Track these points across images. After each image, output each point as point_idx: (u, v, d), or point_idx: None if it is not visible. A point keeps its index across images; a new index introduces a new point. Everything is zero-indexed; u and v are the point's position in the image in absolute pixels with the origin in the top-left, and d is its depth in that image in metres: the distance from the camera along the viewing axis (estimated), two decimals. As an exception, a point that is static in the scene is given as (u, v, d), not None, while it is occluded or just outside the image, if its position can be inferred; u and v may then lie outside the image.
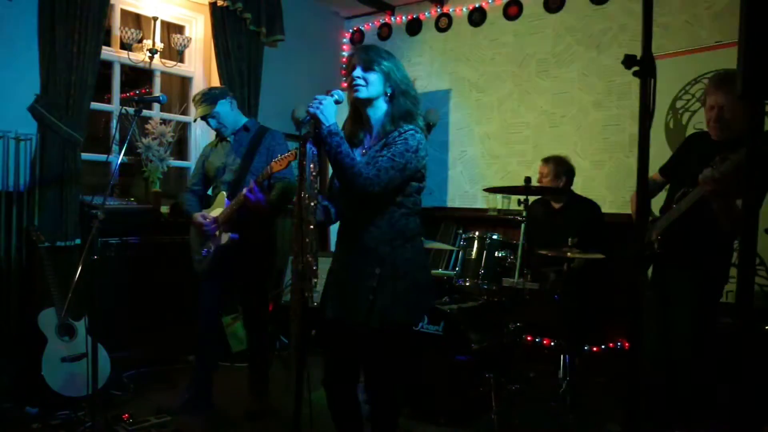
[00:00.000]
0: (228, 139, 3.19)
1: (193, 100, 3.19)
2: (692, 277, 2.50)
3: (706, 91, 2.58)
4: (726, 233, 2.44)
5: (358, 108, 2.10)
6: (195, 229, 3.15)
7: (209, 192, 3.31)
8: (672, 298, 2.56)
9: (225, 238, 2.99)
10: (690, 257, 2.51)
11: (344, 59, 5.54)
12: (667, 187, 2.78)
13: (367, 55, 2.03)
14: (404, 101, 2.03)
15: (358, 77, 2.01)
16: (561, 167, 3.74)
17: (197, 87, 4.54)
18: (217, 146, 3.26)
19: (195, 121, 3.34)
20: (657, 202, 2.85)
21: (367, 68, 2.02)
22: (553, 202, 3.81)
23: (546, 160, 3.77)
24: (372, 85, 2.01)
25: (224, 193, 3.08)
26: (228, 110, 3.15)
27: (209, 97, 3.13)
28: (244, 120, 3.22)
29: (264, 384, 3.21)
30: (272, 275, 3.27)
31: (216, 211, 3.08)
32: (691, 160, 2.60)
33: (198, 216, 3.08)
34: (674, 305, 2.54)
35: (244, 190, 2.81)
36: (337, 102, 1.99)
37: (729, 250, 2.58)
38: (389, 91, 2.04)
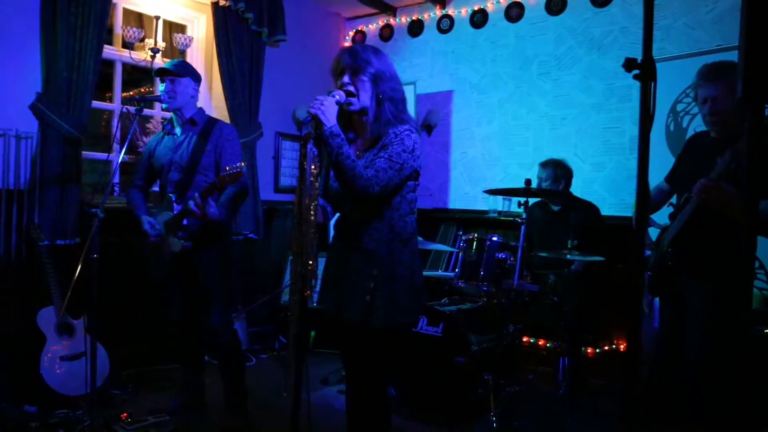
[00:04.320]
0: (175, 132, 3.03)
1: (167, 63, 3.02)
2: (709, 291, 2.42)
3: (696, 85, 2.44)
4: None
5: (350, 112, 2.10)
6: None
7: (157, 189, 3.14)
8: (688, 312, 2.48)
9: (177, 246, 2.84)
10: (705, 268, 2.44)
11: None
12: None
13: (353, 62, 2.02)
14: (391, 107, 2.03)
15: (348, 84, 2.01)
16: (560, 170, 3.75)
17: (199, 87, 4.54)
18: (163, 139, 3.07)
19: (154, 74, 3.07)
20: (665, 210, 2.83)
21: (355, 75, 2.02)
22: (552, 204, 3.81)
23: (545, 164, 3.77)
24: (361, 92, 2.02)
25: (172, 197, 2.90)
26: (188, 90, 2.98)
27: (185, 67, 3.00)
28: (192, 111, 3.02)
29: (241, 397, 3.05)
30: (230, 284, 3.08)
31: (164, 216, 2.92)
32: (691, 162, 2.56)
33: (146, 224, 2.92)
34: (690, 317, 2.48)
35: (190, 203, 2.64)
36: (338, 102, 1.99)
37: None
38: (378, 95, 2.03)
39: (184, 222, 2.82)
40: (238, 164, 2.57)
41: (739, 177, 2.22)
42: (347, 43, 5.67)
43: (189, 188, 2.86)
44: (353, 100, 2.01)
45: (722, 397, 2.37)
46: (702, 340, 2.42)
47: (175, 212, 2.85)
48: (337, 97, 1.99)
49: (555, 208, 3.80)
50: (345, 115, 2.10)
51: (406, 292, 2.03)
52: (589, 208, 3.72)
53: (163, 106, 2.99)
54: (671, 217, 2.63)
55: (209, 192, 2.64)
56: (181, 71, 2.97)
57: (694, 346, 2.45)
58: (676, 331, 2.55)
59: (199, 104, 3.14)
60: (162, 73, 2.96)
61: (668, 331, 2.61)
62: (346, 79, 2.02)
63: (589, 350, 3.88)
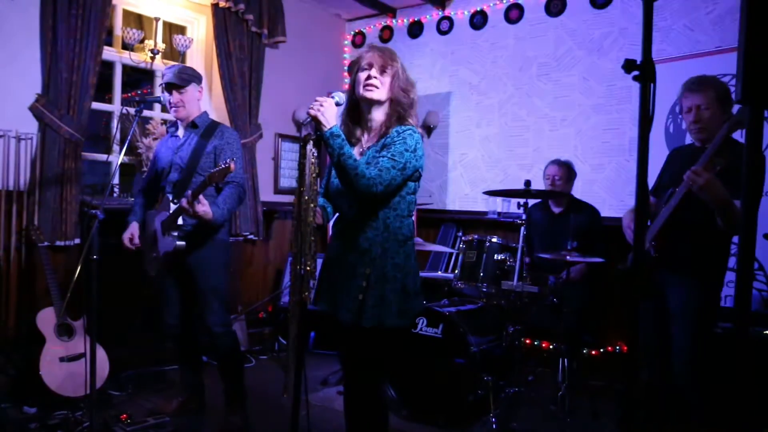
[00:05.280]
0: (177, 134, 3.07)
1: (169, 70, 3.01)
2: (691, 287, 2.46)
3: (680, 97, 2.57)
4: (721, 235, 2.43)
5: (359, 107, 2.13)
6: (144, 230, 3.06)
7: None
8: (671, 309, 2.52)
9: (172, 244, 2.84)
10: (686, 262, 2.48)
11: (345, 61, 5.54)
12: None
13: (383, 58, 2.08)
14: (399, 108, 2.08)
15: (375, 77, 2.05)
16: (572, 172, 3.77)
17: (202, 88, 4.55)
18: (167, 142, 3.12)
19: (161, 87, 3.06)
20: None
21: (382, 70, 2.07)
22: (553, 206, 3.81)
23: (559, 163, 3.77)
24: (384, 87, 2.07)
25: (169, 196, 2.92)
26: (195, 95, 3.03)
27: (189, 73, 3.02)
28: (195, 114, 3.05)
29: (240, 398, 3.04)
30: (228, 285, 3.09)
31: (161, 216, 2.94)
32: (675, 167, 2.61)
33: (126, 233, 3.03)
34: (674, 317, 2.50)
35: (183, 201, 2.67)
36: (337, 104, 2.00)
37: (725, 252, 2.56)
38: (391, 96, 2.08)
39: (180, 222, 2.83)
40: (227, 161, 2.57)
41: (725, 178, 2.28)
42: (347, 45, 5.68)
43: (187, 189, 2.87)
44: (375, 89, 2.06)
45: (720, 396, 2.39)
46: (690, 338, 2.45)
47: (171, 210, 2.86)
48: (337, 98, 2.01)
49: (556, 210, 3.79)
50: (353, 109, 2.14)
51: (396, 294, 2.03)
52: (591, 212, 3.73)
53: (171, 112, 3.01)
54: (652, 217, 2.65)
55: (201, 189, 2.66)
56: (187, 81, 2.99)
57: (682, 345, 2.46)
58: (661, 330, 2.56)
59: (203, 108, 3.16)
60: (171, 87, 2.97)
61: (652, 331, 2.61)
62: (374, 72, 2.06)
63: (588, 352, 3.88)
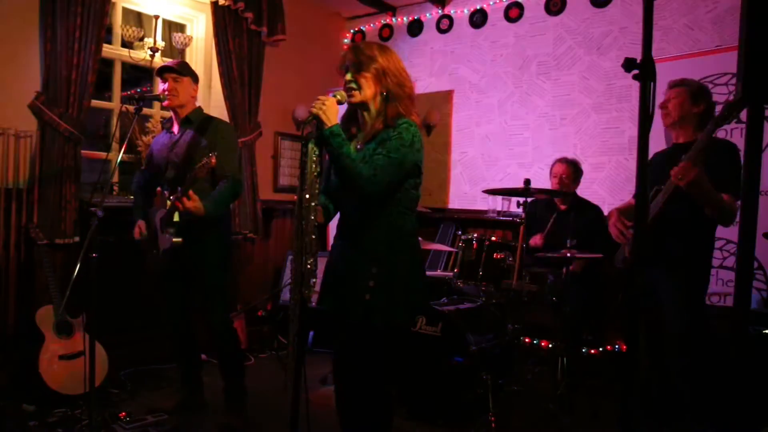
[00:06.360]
0: (172, 131, 3.08)
1: (168, 62, 3.03)
2: (678, 278, 2.53)
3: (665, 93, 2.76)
4: (705, 228, 2.54)
5: (354, 107, 2.11)
6: (148, 227, 3.08)
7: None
8: (661, 299, 2.57)
9: (170, 241, 2.86)
10: (673, 256, 2.54)
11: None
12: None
13: (357, 57, 2.03)
14: (395, 102, 2.03)
15: (350, 81, 2.02)
16: (578, 171, 3.78)
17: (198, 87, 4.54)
18: (162, 139, 3.13)
19: (157, 73, 3.06)
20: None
21: (358, 70, 2.02)
22: (560, 203, 3.82)
23: (566, 162, 3.78)
24: (364, 88, 2.02)
25: (166, 193, 2.95)
26: (189, 90, 3.02)
27: (186, 67, 3.03)
28: (190, 110, 3.05)
29: (240, 397, 3.04)
30: (228, 282, 3.12)
31: (160, 213, 2.96)
32: (657, 167, 2.68)
33: (136, 229, 3.06)
34: (664, 306, 2.55)
35: (173, 198, 2.70)
36: (339, 102, 1.99)
37: (711, 244, 2.64)
38: (382, 92, 2.03)
39: (176, 218, 2.84)
40: (210, 155, 2.57)
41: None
42: (347, 43, 5.67)
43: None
44: (354, 92, 2.02)
45: (719, 395, 2.40)
46: (681, 327, 2.49)
47: (167, 208, 2.88)
48: (339, 96, 1.99)
49: (561, 207, 3.80)
50: (351, 108, 2.12)
51: (406, 290, 2.03)
52: (593, 209, 3.74)
53: (164, 101, 2.99)
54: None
55: (189, 185, 2.66)
56: (183, 70, 3.00)
57: (673, 334, 2.50)
58: (653, 327, 2.58)
59: (198, 104, 3.16)
60: (165, 71, 2.97)
61: (644, 328, 2.63)
62: (348, 76, 2.03)
63: (588, 350, 3.88)
